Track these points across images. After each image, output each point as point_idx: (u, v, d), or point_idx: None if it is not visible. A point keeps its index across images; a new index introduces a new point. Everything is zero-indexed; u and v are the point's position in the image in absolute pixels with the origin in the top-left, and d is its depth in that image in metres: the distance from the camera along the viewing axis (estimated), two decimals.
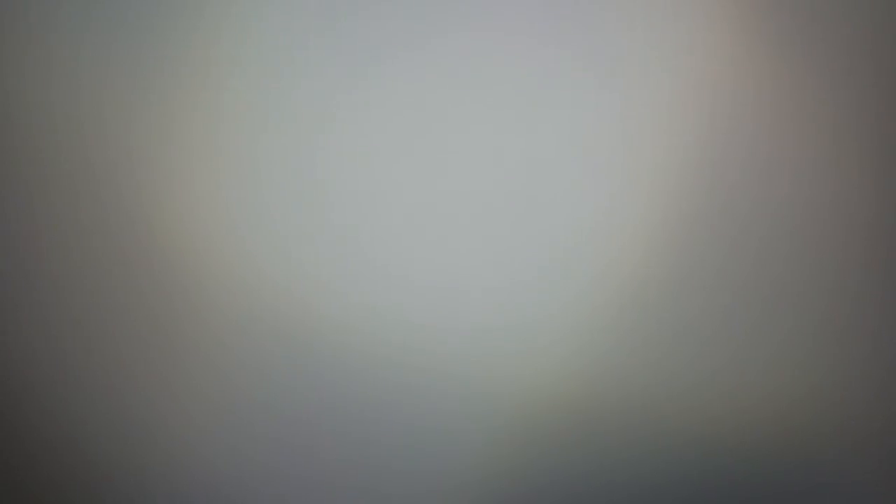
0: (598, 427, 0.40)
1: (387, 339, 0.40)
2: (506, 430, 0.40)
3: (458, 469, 0.40)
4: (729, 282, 0.40)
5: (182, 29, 0.40)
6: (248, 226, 0.40)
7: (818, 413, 0.40)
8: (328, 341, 0.40)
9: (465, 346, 0.40)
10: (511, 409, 0.40)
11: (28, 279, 0.40)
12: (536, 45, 0.40)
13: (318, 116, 0.40)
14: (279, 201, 0.40)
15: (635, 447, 0.40)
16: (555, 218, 0.39)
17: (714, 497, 0.40)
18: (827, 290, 0.40)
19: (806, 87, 0.40)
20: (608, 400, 0.40)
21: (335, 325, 0.40)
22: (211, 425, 0.40)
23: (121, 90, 0.40)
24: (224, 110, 0.40)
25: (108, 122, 0.40)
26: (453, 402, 0.40)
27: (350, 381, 0.40)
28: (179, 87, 0.40)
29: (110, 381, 0.40)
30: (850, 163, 0.40)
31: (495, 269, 0.39)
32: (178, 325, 0.40)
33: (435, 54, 0.40)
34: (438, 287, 0.40)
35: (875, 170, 0.40)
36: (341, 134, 0.40)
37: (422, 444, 0.40)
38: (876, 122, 0.40)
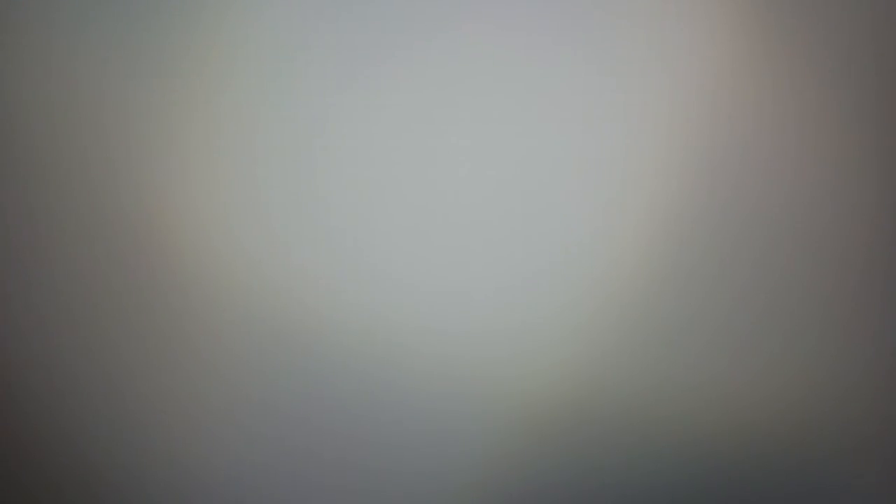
0: (599, 428, 0.40)
1: (386, 339, 0.40)
2: (506, 432, 0.40)
3: (458, 470, 0.40)
4: (729, 282, 0.40)
5: (182, 29, 0.40)
6: (248, 226, 0.40)
7: (818, 413, 0.40)
8: (328, 341, 0.40)
9: (465, 347, 0.40)
10: (511, 410, 0.40)
11: (27, 279, 0.40)
12: (536, 46, 0.40)
13: (317, 116, 0.40)
14: (279, 201, 0.40)
15: (635, 448, 0.40)
16: (555, 219, 0.39)
17: (714, 497, 0.40)
18: (827, 290, 0.40)
19: (806, 87, 0.40)
20: (608, 401, 0.40)
21: (335, 325, 0.40)
22: (211, 425, 0.40)
23: (120, 90, 0.40)
24: (224, 110, 0.40)
25: (108, 122, 0.40)
26: (453, 403, 0.40)
27: (349, 381, 0.40)
28: (179, 87, 0.40)
29: (109, 381, 0.40)
30: (850, 163, 0.40)
31: (495, 269, 0.39)
32: (178, 324, 0.40)
33: (435, 55, 0.40)
34: (438, 288, 0.40)
35: (875, 170, 0.40)
36: (341, 134, 0.40)
37: (421, 445, 0.40)
38: (876, 122, 0.40)
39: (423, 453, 0.40)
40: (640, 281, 0.40)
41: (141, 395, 0.40)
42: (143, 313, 0.40)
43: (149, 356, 0.40)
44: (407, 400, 0.40)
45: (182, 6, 0.40)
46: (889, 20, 0.40)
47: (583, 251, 0.39)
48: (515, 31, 0.40)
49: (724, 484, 0.40)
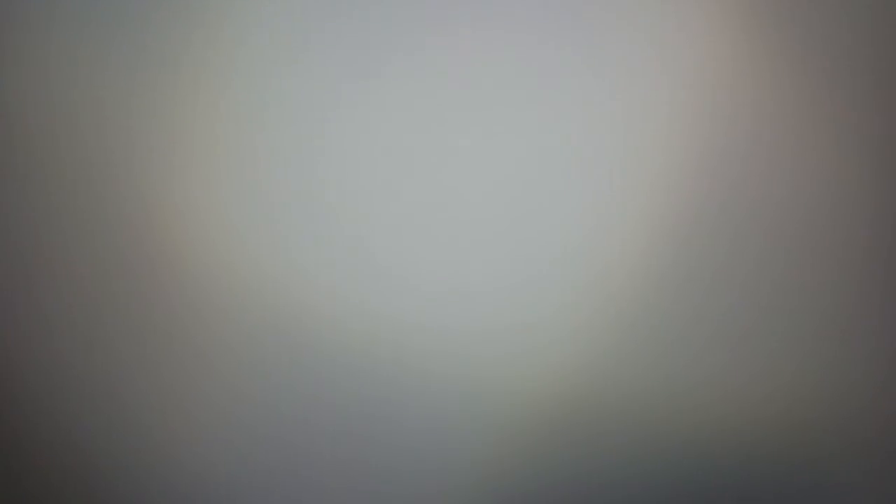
0: (598, 427, 0.40)
1: (386, 339, 0.39)
2: (505, 431, 0.40)
3: (458, 469, 0.40)
4: (729, 281, 0.40)
5: (182, 28, 0.40)
6: (248, 226, 0.40)
7: (818, 413, 0.40)
8: (328, 341, 0.40)
9: (465, 346, 0.40)
10: (510, 409, 0.40)
11: (27, 279, 0.40)
12: (536, 45, 0.40)
13: (318, 116, 0.40)
14: (279, 201, 0.40)
15: (635, 447, 0.40)
16: (555, 218, 0.39)
17: (714, 497, 0.40)
18: (827, 290, 0.40)
19: (806, 87, 0.40)
20: (608, 400, 0.40)
21: (335, 324, 0.40)
22: (211, 425, 0.40)
23: (120, 89, 0.40)
24: (224, 110, 0.40)
25: (108, 122, 0.40)
26: (452, 402, 0.40)
27: (349, 381, 0.40)
28: (179, 87, 0.40)
29: (110, 381, 0.40)
30: (850, 163, 0.40)
31: (495, 268, 0.39)
32: (178, 324, 0.40)
33: (435, 54, 0.40)
34: (438, 287, 0.40)
35: (875, 170, 0.40)
36: (341, 134, 0.40)
37: (421, 444, 0.40)
38: (876, 122, 0.40)
39: (423, 453, 0.40)
40: (639, 280, 0.40)
41: (141, 394, 0.40)
42: (143, 312, 0.40)
43: (149, 356, 0.40)
44: (407, 399, 0.40)
45: (183, 6, 0.40)
46: (889, 20, 0.40)
47: (583, 251, 0.39)
48: (515, 32, 0.40)
49: (725, 484, 0.40)
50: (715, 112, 0.40)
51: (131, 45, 0.40)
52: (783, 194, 0.40)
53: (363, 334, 0.40)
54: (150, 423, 0.40)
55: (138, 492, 0.40)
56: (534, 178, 0.40)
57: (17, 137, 0.40)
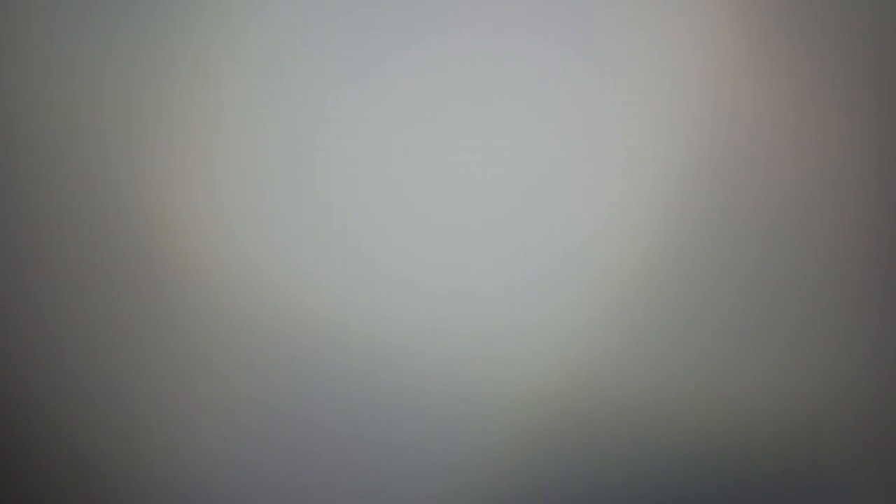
0: (599, 428, 0.40)
1: (387, 339, 0.40)
2: (506, 432, 0.40)
3: (458, 470, 0.40)
4: (729, 282, 0.40)
5: (182, 29, 0.40)
6: (248, 226, 0.40)
7: (818, 413, 0.40)
8: (328, 341, 0.40)
9: (466, 347, 0.40)
10: (511, 410, 0.40)
11: (27, 279, 0.40)
12: (536, 45, 0.40)
13: (318, 116, 0.40)
14: (279, 201, 0.40)
15: (635, 448, 0.40)
16: (555, 219, 0.39)
17: (714, 497, 0.40)
18: (827, 290, 0.40)
19: (806, 87, 0.40)
20: (608, 401, 0.40)
21: (334, 325, 0.40)
22: (210, 425, 0.40)
23: (120, 90, 0.40)
24: (224, 110, 0.40)
25: (108, 122, 0.40)
26: (453, 403, 0.40)
27: (349, 381, 0.40)
28: (179, 87, 0.40)
29: (109, 380, 0.40)
30: (850, 163, 0.40)
31: (496, 269, 0.39)
32: (178, 324, 0.40)
33: (435, 55, 0.40)
34: (438, 288, 0.40)
35: (875, 170, 0.40)
36: (341, 134, 0.40)
37: (422, 444, 0.40)
38: (876, 122, 0.40)
39: (423, 453, 0.40)
40: (640, 281, 0.40)
41: (141, 395, 0.40)
42: (143, 313, 0.40)
43: (148, 356, 0.40)
44: (407, 400, 0.40)
45: (182, 6, 0.40)
46: (889, 19, 0.40)
47: (583, 251, 0.39)
48: (516, 32, 0.40)
49: (725, 484, 0.40)
50: (715, 112, 0.40)
51: (131, 45, 0.40)
52: (783, 194, 0.40)
53: (363, 335, 0.40)
54: (150, 423, 0.40)
55: (138, 492, 0.40)
56: (534, 178, 0.40)
57: (18, 137, 0.40)
